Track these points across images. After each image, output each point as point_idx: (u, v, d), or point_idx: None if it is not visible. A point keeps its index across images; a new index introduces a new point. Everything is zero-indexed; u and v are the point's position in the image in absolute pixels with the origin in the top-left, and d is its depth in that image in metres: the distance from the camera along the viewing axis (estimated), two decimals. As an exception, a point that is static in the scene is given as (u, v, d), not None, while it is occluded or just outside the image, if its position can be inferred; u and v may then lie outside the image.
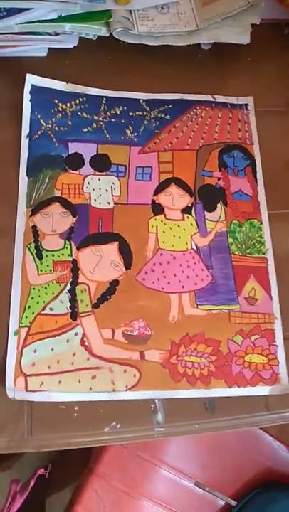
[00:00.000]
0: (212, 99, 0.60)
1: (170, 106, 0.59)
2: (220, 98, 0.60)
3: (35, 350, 0.47)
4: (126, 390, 0.48)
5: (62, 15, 0.54)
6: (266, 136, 0.59)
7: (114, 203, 0.54)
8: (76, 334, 0.49)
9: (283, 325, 0.52)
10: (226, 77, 0.62)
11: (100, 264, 0.51)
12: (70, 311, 0.49)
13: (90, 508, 0.74)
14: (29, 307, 0.49)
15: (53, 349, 0.48)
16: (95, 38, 0.59)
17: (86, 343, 0.48)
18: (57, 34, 0.57)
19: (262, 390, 0.49)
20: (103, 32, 0.57)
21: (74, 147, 0.55)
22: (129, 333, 0.50)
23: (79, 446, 0.47)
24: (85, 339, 0.49)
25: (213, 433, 0.76)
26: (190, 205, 0.55)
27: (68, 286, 0.50)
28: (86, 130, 0.56)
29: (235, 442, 0.78)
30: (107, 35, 0.57)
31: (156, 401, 0.48)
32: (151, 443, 0.75)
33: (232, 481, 0.79)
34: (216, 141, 0.58)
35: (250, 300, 0.52)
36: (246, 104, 0.61)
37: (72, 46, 0.59)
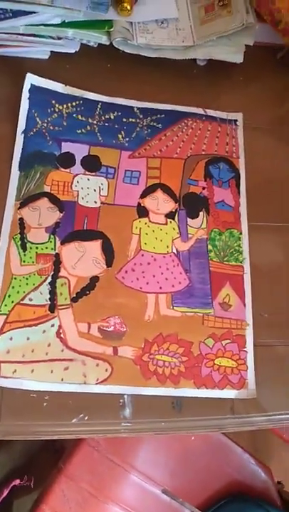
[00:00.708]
0: (203, 113, 0.62)
1: (162, 115, 0.61)
2: (211, 112, 0.63)
3: (11, 338, 0.49)
4: (96, 384, 0.49)
5: (66, 21, 0.57)
6: (252, 151, 0.62)
7: (101, 203, 0.56)
8: (53, 326, 0.50)
9: (254, 332, 0.54)
10: (218, 92, 0.65)
11: (82, 259, 0.53)
12: (49, 302, 0.51)
13: (55, 508, 0.74)
14: (9, 296, 0.50)
15: (28, 338, 0.49)
16: (95, 46, 0.61)
17: (62, 335, 0.50)
18: (59, 38, 0.59)
19: (229, 393, 0.51)
20: (104, 40, 0.60)
21: (67, 147, 0.57)
22: (104, 328, 0.51)
23: (46, 436, 0.48)
24: (61, 331, 0.50)
25: (183, 441, 0.77)
26: (174, 210, 0.57)
27: (49, 279, 0.51)
28: (80, 131, 0.58)
29: (205, 452, 0.79)
30: (108, 43, 0.60)
31: (125, 396, 0.49)
32: (122, 447, 0.76)
33: (199, 490, 0.79)
34: (203, 152, 0.61)
35: (224, 306, 0.54)
36: (235, 120, 0.63)
37: (73, 51, 0.61)
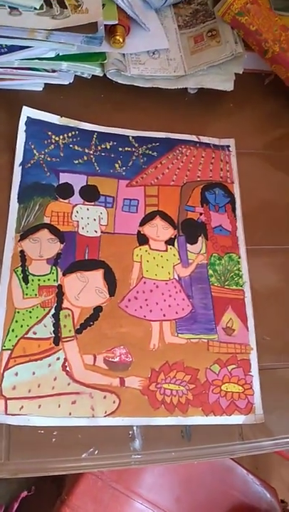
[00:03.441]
0: (196, 140, 0.64)
1: (157, 144, 0.62)
2: (204, 139, 0.64)
3: (16, 374, 0.48)
4: (105, 416, 0.48)
5: (60, 54, 0.58)
6: (246, 176, 0.63)
7: (102, 232, 0.56)
8: (58, 359, 0.49)
9: (258, 356, 0.54)
10: (210, 119, 0.66)
11: (85, 290, 0.53)
12: (53, 335, 0.50)
13: None
14: (13, 330, 0.49)
15: (34, 373, 0.48)
16: (89, 77, 0.62)
17: (67, 368, 0.49)
18: (54, 71, 0.60)
19: (237, 419, 0.51)
20: (97, 72, 0.61)
21: (65, 177, 0.58)
22: (110, 359, 0.51)
23: (56, 472, 0.47)
24: (66, 364, 0.49)
25: (187, 465, 0.76)
26: (173, 237, 0.58)
27: (52, 311, 0.51)
28: (77, 162, 0.59)
29: (209, 475, 0.78)
30: (101, 75, 0.61)
31: (135, 428, 0.49)
32: (126, 474, 0.74)
33: (205, 514, 0.78)
34: (199, 179, 0.62)
35: (227, 330, 0.54)
36: (228, 146, 0.65)
37: (67, 83, 0.62)
